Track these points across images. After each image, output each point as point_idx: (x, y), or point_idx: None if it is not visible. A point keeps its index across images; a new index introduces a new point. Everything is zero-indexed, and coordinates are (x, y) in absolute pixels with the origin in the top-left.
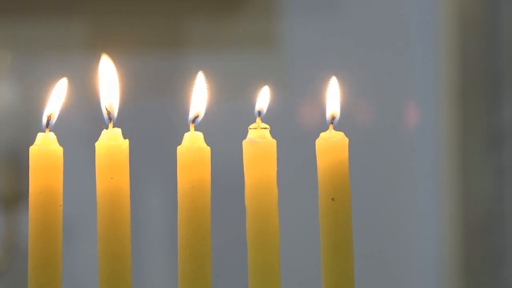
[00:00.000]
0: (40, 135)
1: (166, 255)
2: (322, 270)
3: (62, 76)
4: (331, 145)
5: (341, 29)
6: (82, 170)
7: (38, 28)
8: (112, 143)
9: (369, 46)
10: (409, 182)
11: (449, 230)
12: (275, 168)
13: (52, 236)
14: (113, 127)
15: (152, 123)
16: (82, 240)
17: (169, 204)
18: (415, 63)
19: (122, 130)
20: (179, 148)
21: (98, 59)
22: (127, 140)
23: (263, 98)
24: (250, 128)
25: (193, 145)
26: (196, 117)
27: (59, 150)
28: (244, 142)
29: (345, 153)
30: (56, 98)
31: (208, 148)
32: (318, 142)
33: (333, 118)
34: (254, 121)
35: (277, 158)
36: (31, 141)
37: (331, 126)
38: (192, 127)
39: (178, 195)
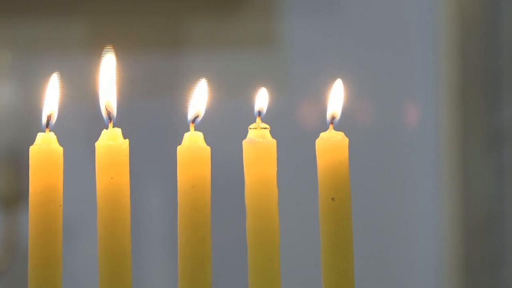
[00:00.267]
0: (40, 135)
1: (166, 255)
2: (322, 270)
3: (62, 76)
4: (331, 145)
5: (341, 29)
6: (82, 170)
7: (38, 28)
8: (112, 143)
9: (369, 46)
10: (409, 182)
11: (449, 230)
12: (275, 168)
13: (52, 236)
14: (113, 127)
15: (152, 123)
16: (82, 240)
17: (169, 204)
18: (415, 63)
19: (122, 130)
20: (179, 148)
21: (98, 59)
22: (127, 140)
23: (263, 98)
24: (250, 128)
25: (193, 145)
26: (196, 117)
27: (59, 150)
28: (244, 142)
29: (345, 153)
30: (52, 96)
31: (208, 148)
32: (318, 142)
33: (333, 118)
34: (254, 121)
35: (277, 158)
36: (31, 141)
37: (331, 126)
38: (192, 127)
39: (178, 195)
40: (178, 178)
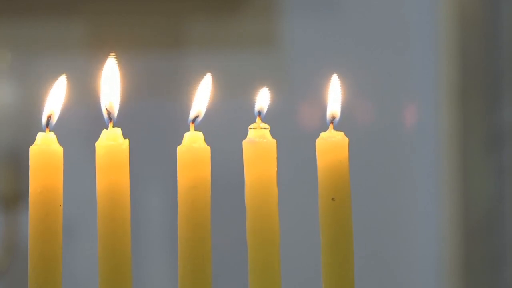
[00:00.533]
0: (40, 135)
1: (166, 255)
2: (322, 270)
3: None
4: (331, 145)
5: (341, 29)
6: (82, 170)
7: (38, 28)
8: (112, 143)
9: (369, 46)
10: (409, 182)
11: (449, 230)
12: (275, 168)
13: (52, 236)
14: (113, 127)
15: (152, 123)
16: (82, 240)
17: (169, 204)
18: (415, 63)
19: (122, 130)
20: (179, 148)
21: (98, 59)
22: (127, 140)
23: (263, 98)
24: (250, 128)
25: (193, 145)
26: (196, 117)
27: (59, 150)
28: (244, 142)
29: (345, 153)
30: (56, 97)
31: (208, 148)
32: (318, 142)
33: (333, 118)
34: (254, 121)
35: (277, 158)
36: (31, 141)
37: (331, 126)
38: (192, 127)
39: (178, 195)
40: (178, 178)
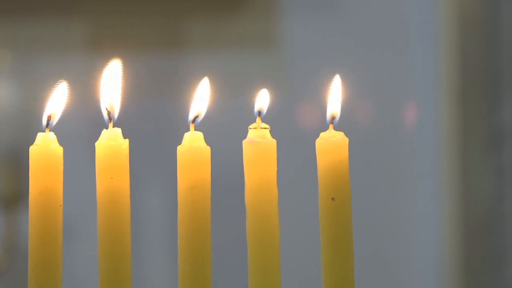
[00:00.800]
0: (40, 135)
1: (166, 255)
2: (322, 270)
3: (62, 76)
4: (331, 145)
5: (341, 29)
6: (82, 170)
7: (38, 28)
8: (112, 143)
9: (369, 46)
10: (409, 182)
11: (449, 230)
12: (275, 168)
13: (52, 236)
14: (113, 127)
15: (152, 123)
16: (82, 240)
17: (169, 204)
18: (415, 63)
19: (122, 130)
20: (179, 148)
21: (98, 59)
22: (127, 140)
23: (263, 98)
24: (250, 128)
25: (193, 145)
26: (196, 117)
27: (59, 150)
28: (244, 142)
29: (345, 153)
30: (56, 100)
31: (208, 148)
32: (318, 142)
33: (333, 118)
34: (254, 121)
35: (277, 158)
36: (31, 141)
37: (331, 126)
38: (192, 127)
39: (178, 195)
40: (178, 178)
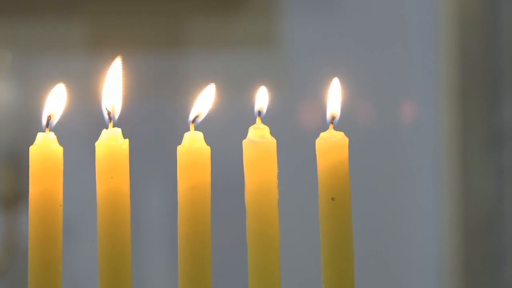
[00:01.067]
0: (40, 135)
1: (166, 255)
2: (322, 270)
3: (62, 76)
4: (331, 145)
5: (341, 29)
6: (82, 170)
7: (38, 28)
8: (112, 143)
9: (369, 46)
10: (409, 182)
11: (449, 230)
12: (275, 168)
13: (52, 236)
14: (113, 127)
15: (152, 123)
16: (82, 240)
17: (169, 204)
18: (415, 63)
19: (122, 130)
20: (179, 148)
21: (98, 59)
22: (127, 140)
23: (262, 96)
24: (250, 128)
25: (193, 145)
26: (196, 117)
27: (59, 150)
28: (244, 142)
29: (345, 153)
30: (56, 100)
31: (208, 148)
32: (318, 142)
33: (333, 118)
34: (254, 121)
35: (277, 158)
36: (31, 141)
37: (331, 126)
38: (192, 127)
39: (178, 195)
40: (178, 178)
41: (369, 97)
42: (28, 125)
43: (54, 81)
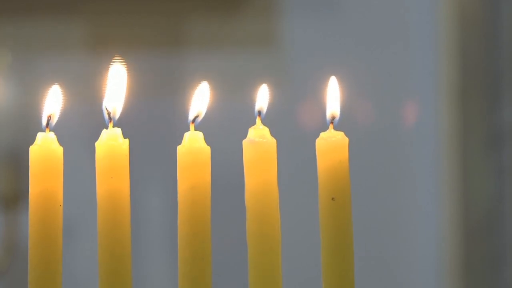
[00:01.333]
0: (40, 135)
1: (166, 255)
2: (322, 270)
3: (62, 76)
4: (331, 145)
5: (341, 29)
6: (82, 170)
7: (38, 28)
8: (112, 143)
9: (369, 46)
10: (409, 182)
11: (449, 230)
12: (276, 168)
13: (52, 236)
14: (113, 127)
15: (152, 123)
16: (82, 240)
17: (169, 204)
18: (415, 63)
19: (122, 130)
20: (179, 148)
21: (98, 59)
22: (127, 140)
23: (263, 94)
24: (250, 128)
25: (193, 145)
26: (196, 117)
27: (59, 150)
28: (244, 142)
29: (345, 153)
30: (56, 100)
31: (208, 148)
32: (318, 142)
33: (333, 118)
34: (254, 120)
35: (277, 158)
36: (31, 141)
37: (331, 126)
38: (192, 127)
39: (178, 195)
40: (178, 178)
41: (369, 97)
42: (28, 125)
43: (54, 81)
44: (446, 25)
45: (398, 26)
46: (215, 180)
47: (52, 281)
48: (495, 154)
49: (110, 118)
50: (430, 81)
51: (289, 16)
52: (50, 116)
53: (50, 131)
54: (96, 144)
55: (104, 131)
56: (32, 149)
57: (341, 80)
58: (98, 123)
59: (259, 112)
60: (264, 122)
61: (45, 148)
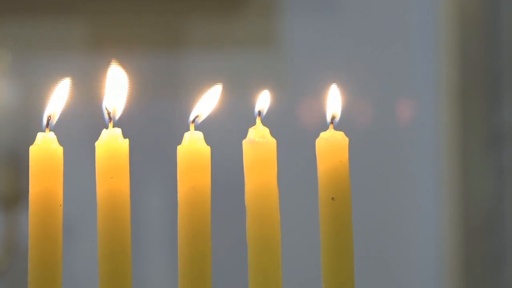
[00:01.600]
0: (40, 135)
1: (166, 255)
2: (322, 270)
3: (62, 76)
4: (331, 145)
5: (341, 29)
6: (82, 170)
7: (38, 28)
8: (112, 143)
9: (369, 46)
10: (409, 182)
11: (449, 230)
12: (276, 168)
13: (52, 236)
14: (113, 127)
15: (152, 123)
16: (82, 240)
17: (169, 205)
18: (415, 63)
19: (122, 130)
20: (179, 148)
21: (98, 59)
22: (127, 140)
23: (264, 99)
24: (250, 128)
25: (193, 145)
26: (196, 117)
27: (59, 150)
28: (244, 142)
29: (345, 153)
30: (58, 98)
31: (208, 148)
32: (318, 142)
33: (333, 118)
34: (254, 121)
35: (277, 158)
36: (31, 141)
37: (331, 126)
38: (192, 127)
39: (178, 195)
40: (178, 178)
41: (369, 97)
42: (28, 125)
43: (54, 81)
44: (446, 25)
45: (398, 26)
46: (215, 180)
47: (52, 281)
48: (495, 154)
49: (110, 118)
50: (430, 81)
51: (289, 16)
52: (50, 116)
53: (50, 131)
54: (96, 144)
55: (104, 131)
56: (32, 149)
57: (341, 80)
58: (98, 123)
59: (259, 112)
60: (264, 122)
61: (45, 148)
